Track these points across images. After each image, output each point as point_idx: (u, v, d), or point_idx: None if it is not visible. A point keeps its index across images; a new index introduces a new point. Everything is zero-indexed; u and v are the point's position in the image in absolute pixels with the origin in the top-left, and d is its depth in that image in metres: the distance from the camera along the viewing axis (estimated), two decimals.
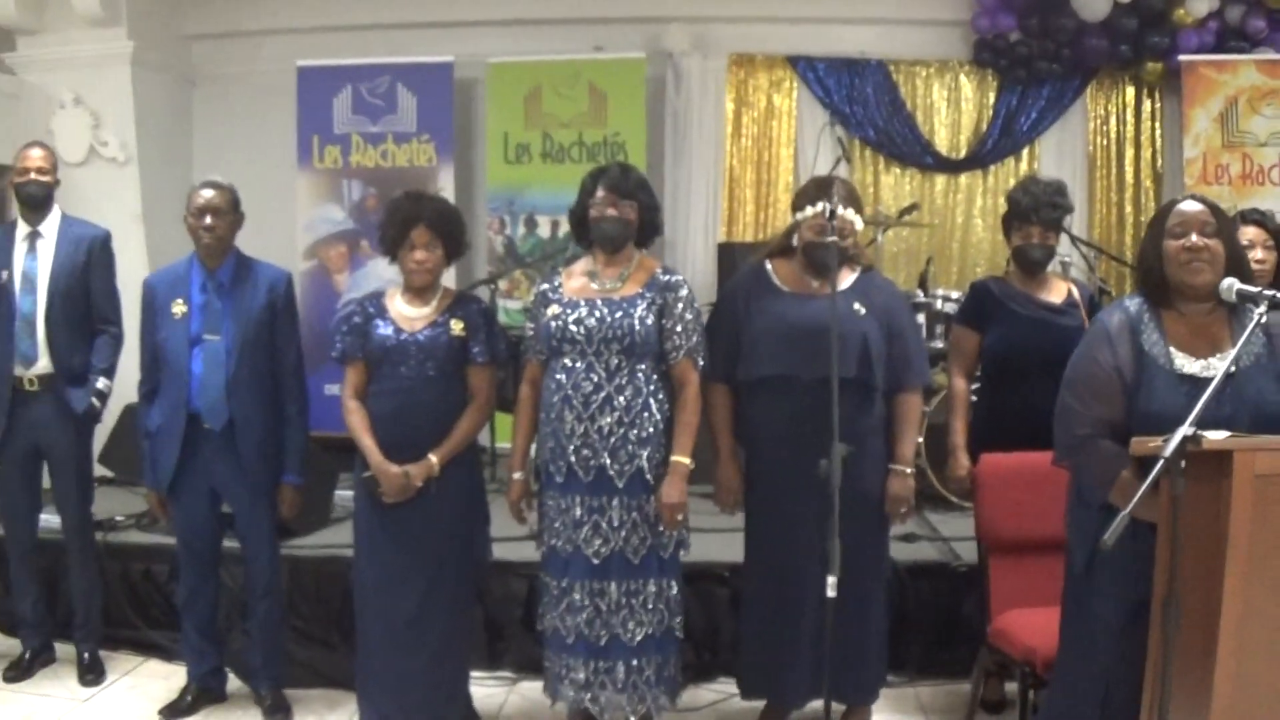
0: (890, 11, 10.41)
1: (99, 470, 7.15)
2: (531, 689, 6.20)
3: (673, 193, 10.39)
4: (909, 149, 10.55)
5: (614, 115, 10.22)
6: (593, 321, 5.11)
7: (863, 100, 10.47)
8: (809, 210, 5.25)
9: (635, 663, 5.20)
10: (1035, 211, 5.83)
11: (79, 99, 10.14)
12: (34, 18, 10.13)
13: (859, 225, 5.36)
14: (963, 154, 10.58)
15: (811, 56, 10.57)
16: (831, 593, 4.51)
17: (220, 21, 11.06)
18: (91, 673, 6.57)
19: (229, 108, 11.21)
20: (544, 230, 10.25)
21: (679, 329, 5.17)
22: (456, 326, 5.37)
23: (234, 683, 6.36)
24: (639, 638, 5.19)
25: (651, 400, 5.14)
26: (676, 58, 10.49)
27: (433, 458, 5.27)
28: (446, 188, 9.78)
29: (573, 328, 5.12)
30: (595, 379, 5.10)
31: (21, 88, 10.25)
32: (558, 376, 5.17)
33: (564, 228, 9.40)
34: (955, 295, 8.38)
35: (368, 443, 5.33)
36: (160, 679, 6.61)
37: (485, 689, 6.32)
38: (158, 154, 10.53)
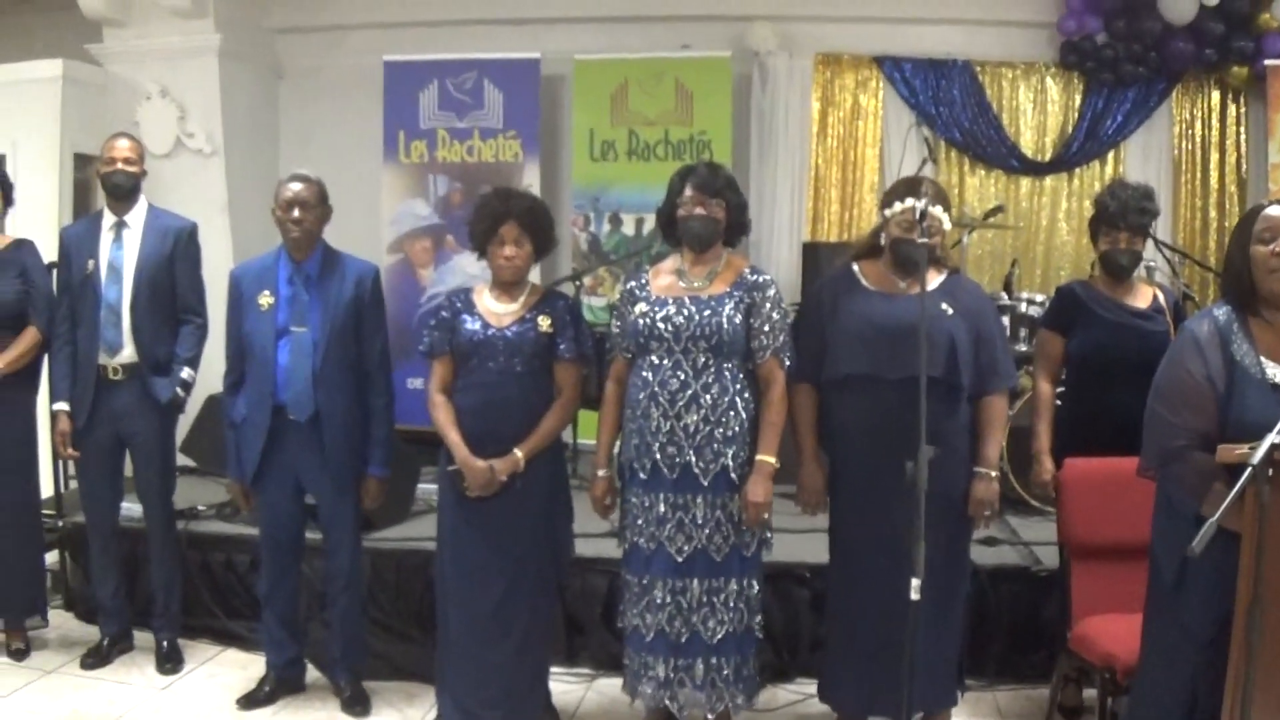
0: (977, 12, 10.35)
1: (180, 460, 7.24)
2: (610, 686, 6.26)
3: (758, 192, 10.38)
4: (994, 151, 10.49)
5: (700, 113, 10.23)
6: (680, 319, 5.16)
7: (949, 101, 10.43)
8: (897, 206, 5.24)
9: (714, 660, 5.25)
10: (1123, 216, 5.85)
11: (165, 91, 10.24)
12: (121, 10, 10.25)
13: (947, 225, 5.33)
14: (1048, 156, 10.51)
15: (898, 56, 10.53)
16: (915, 595, 4.51)
17: (307, 15, 11.17)
18: (170, 661, 6.68)
19: (315, 101, 11.33)
20: (629, 228, 10.27)
21: (766, 328, 5.20)
22: (544, 323, 5.44)
23: (312, 674, 6.45)
24: (719, 636, 5.22)
25: (738, 399, 5.18)
26: (763, 56, 10.46)
27: (518, 452, 5.34)
28: (532, 184, 9.72)
29: (660, 325, 5.17)
30: (682, 376, 5.14)
31: (108, 79, 10.36)
32: (644, 374, 5.22)
33: (649, 225, 9.51)
34: (1040, 298, 8.37)
35: (454, 437, 5.40)
36: (238, 668, 6.71)
37: (564, 685, 6.36)
38: (243, 146, 10.64)
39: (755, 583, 5.33)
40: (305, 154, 10.44)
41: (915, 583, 4.53)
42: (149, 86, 10.26)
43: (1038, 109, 10.56)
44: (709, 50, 10.35)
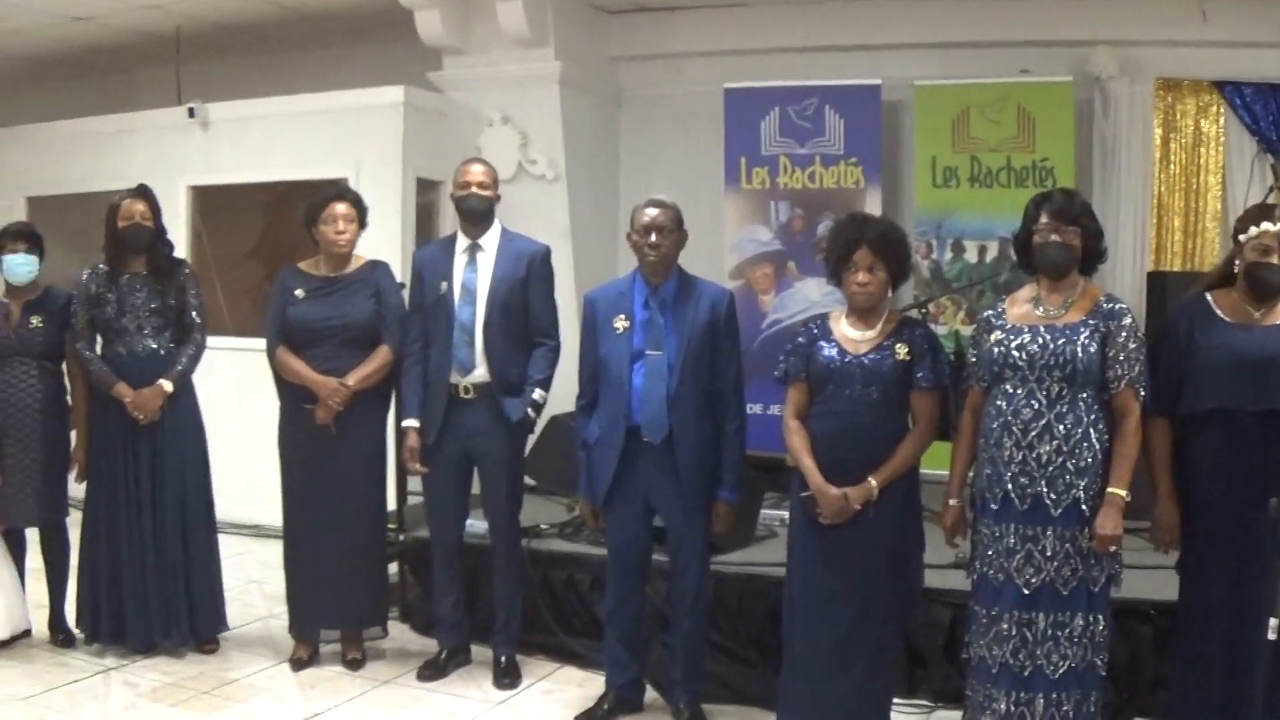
0: None
1: None
2: (948, 719, 6.25)
3: (1100, 219, 9.96)
4: None
5: (1042, 140, 10.11)
6: (1035, 348, 5.14)
7: None
8: (1253, 230, 5.21)
9: (1055, 696, 5.17)
10: None
11: (507, 117, 10.63)
12: (461, 38, 10.70)
13: None
14: None
15: (1239, 81, 10.26)
16: (1273, 635, 4.52)
17: (646, 43, 11.43)
18: (508, 676, 6.88)
19: (654, 128, 11.61)
20: (971, 255, 10.18)
21: (1122, 358, 5.13)
22: (901, 350, 5.44)
23: (650, 694, 6.54)
24: (1061, 671, 5.15)
25: (1091, 430, 5.12)
26: (1104, 82, 10.29)
27: (872, 481, 5.36)
28: (874, 210, 9.59)
29: (1015, 354, 5.17)
30: (1035, 406, 5.11)
31: (449, 106, 10.76)
32: (998, 403, 5.21)
33: (991, 253, 9.49)
34: None
35: (808, 463, 5.45)
36: (575, 685, 6.89)
37: (901, 716, 6.28)
38: (584, 173, 10.97)
39: (1102, 619, 5.22)
40: (646, 181, 10.64)
41: (1274, 623, 4.52)
42: (490, 113, 10.64)
43: None
44: (1049, 75, 10.21)
